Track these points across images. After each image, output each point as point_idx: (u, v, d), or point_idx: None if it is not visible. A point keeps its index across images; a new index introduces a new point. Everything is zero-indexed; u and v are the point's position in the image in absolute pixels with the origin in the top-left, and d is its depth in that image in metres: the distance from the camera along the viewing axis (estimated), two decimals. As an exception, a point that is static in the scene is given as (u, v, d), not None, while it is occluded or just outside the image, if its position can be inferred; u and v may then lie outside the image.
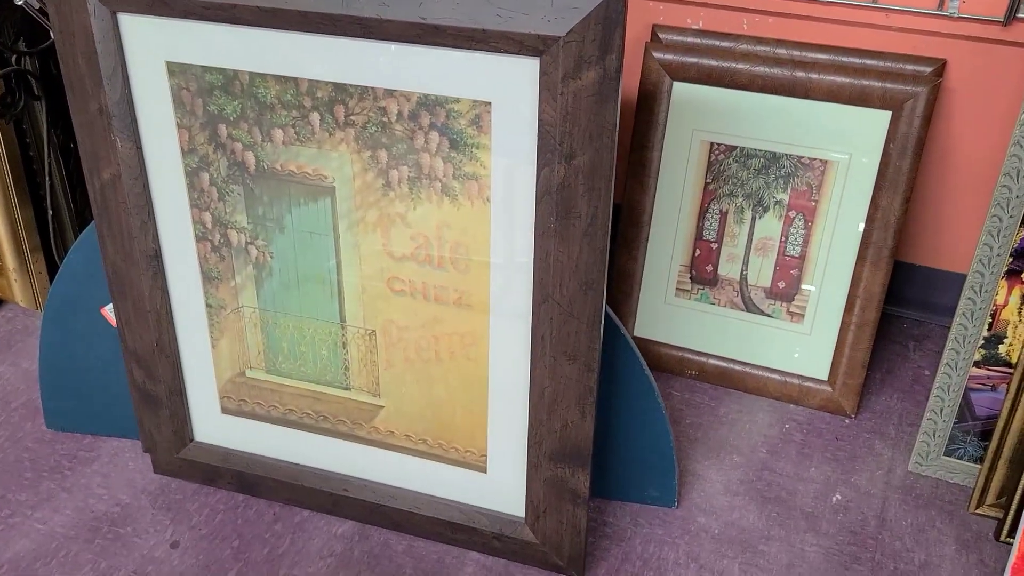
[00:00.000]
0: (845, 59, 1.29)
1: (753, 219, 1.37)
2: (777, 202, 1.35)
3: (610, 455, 1.20)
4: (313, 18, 0.91)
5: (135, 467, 1.29)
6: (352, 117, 0.96)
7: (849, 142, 1.29)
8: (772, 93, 1.30)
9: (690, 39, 1.36)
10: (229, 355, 1.17)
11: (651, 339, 1.46)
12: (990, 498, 1.21)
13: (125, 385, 1.23)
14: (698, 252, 1.41)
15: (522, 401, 1.05)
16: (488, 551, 1.16)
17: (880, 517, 1.22)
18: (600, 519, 1.21)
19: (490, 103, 0.91)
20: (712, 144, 1.35)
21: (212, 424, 1.23)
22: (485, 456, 1.12)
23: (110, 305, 1.20)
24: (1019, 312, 1.16)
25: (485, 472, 1.13)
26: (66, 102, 1.03)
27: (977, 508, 1.22)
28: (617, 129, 0.87)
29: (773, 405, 1.41)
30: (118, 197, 1.07)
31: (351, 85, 0.95)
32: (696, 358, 1.44)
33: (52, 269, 1.57)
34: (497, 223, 0.97)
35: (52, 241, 1.56)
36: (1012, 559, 1.07)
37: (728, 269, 1.40)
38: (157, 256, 1.11)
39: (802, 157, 1.32)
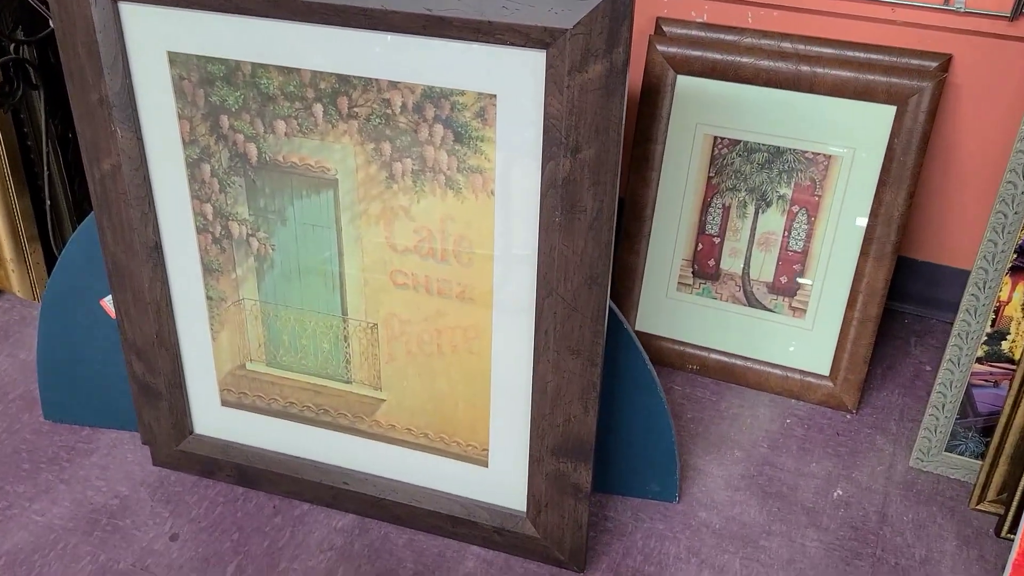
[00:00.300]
0: (850, 53, 1.28)
1: (756, 214, 1.36)
2: (780, 197, 1.35)
3: (611, 450, 1.20)
4: (317, 8, 0.90)
5: (134, 459, 1.28)
6: (355, 109, 0.96)
7: (853, 137, 1.28)
8: (776, 87, 1.29)
9: (694, 32, 1.35)
10: (229, 347, 1.16)
11: (652, 333, 1.46)
12: (991, 494, 1.21)
13: (124, 377, 1.22)
14: (700, 246, 1.41)
15: (524, 396, 1.05)
16: (489, 545, 1.16)
17: (881, 513, 1.22)
18: (601, 513, 1.21)
19: (495, 96, 0.90)
20: (715, 138, 1.35)
21: (212, 417, 1.22)
22: (486, 450, 1.11)
23: (109, 296, 1.20)
24: (1023, 309, 1.15)
25: (486, 466, 1.12)
26: (65, 92, 1.03)
27: (978, 504, 1.22)
28: (623, 123, 0.87)
29: (774, 400, 1.41)
30: (118, 188, 1.06)
31: (355, 76, 0.94)
32: (697, 353, 1.43)
33: (49, 260, 1.56)
34: (501, 217, 0.96)
35: (50, 232, 1.55)
36: (1013, 555, 1.07)
37: (730, 264, 1.40)
38: (157, 248, 1.10)
39: (806, 152, 1.31)
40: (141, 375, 1.19)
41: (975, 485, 1.22)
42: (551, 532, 1.11)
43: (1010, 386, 1.14)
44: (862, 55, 1.28)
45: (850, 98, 1.26)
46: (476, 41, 0.87)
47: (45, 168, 1.49)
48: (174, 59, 0.99)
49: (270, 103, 0.98)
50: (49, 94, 1.46)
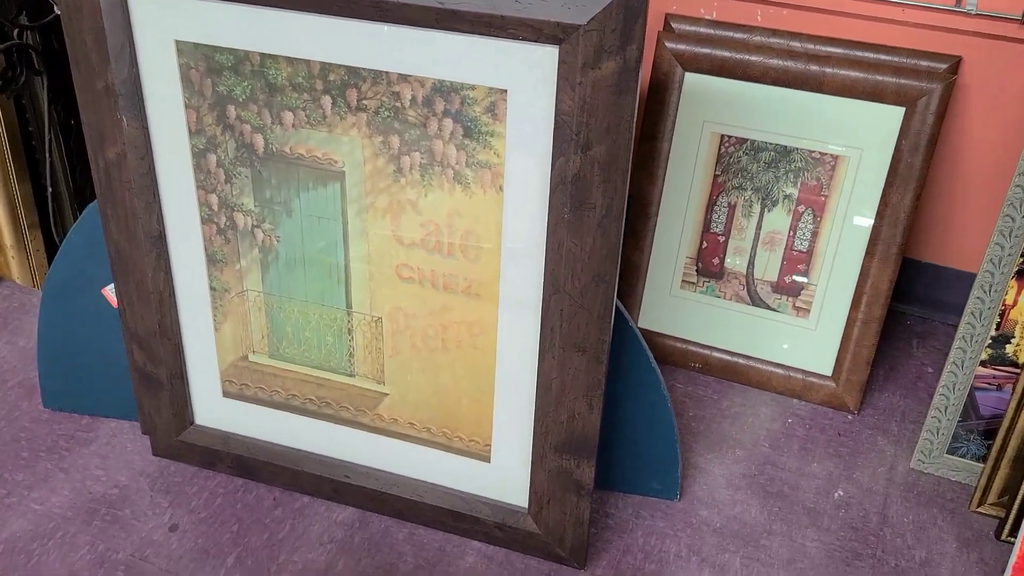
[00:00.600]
0: (859, 54, 1.28)
1: (761, 213, 1.36)
2: (786, 196, 1.34)
3: (614, 447, 1.20)
4: (328, -1, 0.89)
5: (133, 449, 1.28)
6: (364, 101, 0.95)
7: (861, 137, 1.28)
8: (785, 86, 1.28)
9: (703, 29, 1.34)
10: (232, 339, 1.15)
11: (655, 331, 1.45)
12: (992, 497, 1.21)
13: (124, 366, 1.22)
14: (705, 244, 1.41)
15: (529, 392, 1.04)
16: (489, 540, 1.15)
17: (882, 514, 1.22)
18: (602, 510, 1.21)
19: (506, 91, 0.90)
20: (722, 136, 1.34)
21: (213, 407, 1.21)
22: (489, 446, 1.11)
23: (111, 285, 1.19)
24: (1028, 313, 1.16)
25: (489, 462, 1.12)
26: (68, 78, 1.01)
27: (978, 507, 1.22)
28: (635, 121, 0.86)
29: (776, 399, 1.40)
30: (123, 176, 1.06)
31: (364, 69, 0.93)
32: (700, 351, 1.43)
33: (50, 247, 1.56)
34: (509, 212, 0.96)
35: (51, 219, 1.54)
36: (1013, 558, 1.07)
37: (735, 262, 1.40)
38: (161, 237, 1.09)
39: (813, 151, 1.31)
40: (142, 365, 1.19)
41: (976, 488, 1.22)
42: (552, 528, 1.11)
43: (1013, 390, 1.14)
44: (871, 55, 1.27)
45: (858, 98, 1.26)
46: (488, 35, 0.87)
47: (47, 155, 1.48)
48: (182, 48, 0.98)
49: (278, 94, 0.97)
50: (52, 81, 1.45)
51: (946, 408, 1.24)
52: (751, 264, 1.39)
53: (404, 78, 0.92)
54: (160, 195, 1.07)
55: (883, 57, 1.27)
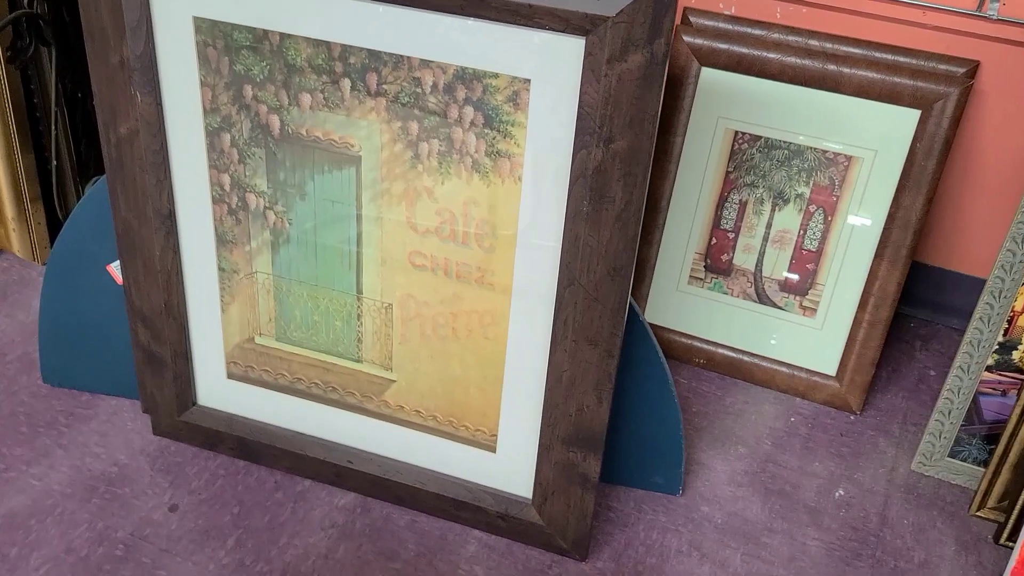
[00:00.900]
0: (878, 55, 1.27)
1: (772, 211, 1.36)
2: (798, 195, 1.34)
3: (618, 440, 1.19)
4: (352, -19, 0.88)
5: (133, 427, 1.27)
6: (384, 86, 0.94)
7: (875, 139, 1.28)
8: (801, 85, 1.28)
9: (722, 25, 1.33)
10: (239, 320, 1.15)
11: (661, 325, 1.45)
12: (992, 501, 1.21)
13: (126, 344, 1.21)
14: (714, 241, 1.40)
15: (538, 383, 1.04)
16: (492, 530, 1.15)
17: (882, 515, 1.23)
18: (604, 503, 1.21)
19: (529, 80, 0.89)
20: (736, 133, 1.34)
21: (216, 389, 1.21)
22: (495, 436, 1.11)
23: (117, 262, 1.18)
24: (1036, 320, 1.16)
25: (494, 452, 1.12)
26: (75, 51, 1.00)
27: (978, 510, 1.23)
28: (659, 116, 0.86)
29: (779, 398, 1.41)
30: (134, 153, 1.04)
31: (386, 53, 0.92)
32: (705, 347, 1.43)
33: (51, 221, 1.54)
34: (527, 203, 0.95)
35: (54, 193, 1.52)
36: (1012, 563, 1.08)
37: (743, 260, 1.39)
38: (171, 216, 1.08)
39: (827, 151, 1.31)
40: (146, 343, 1.18)
41: (976, 491, 1.23)
42: (555, 520, 1.11)
43: (1018, 396, 1.14)
44: (889, 57, 1.27)
45: (875, 100, 1.25)
46: (514, 24, 0.86)
47: (52, 128, 1.46)
48: (200, 25, 0.96)
49: (297, 75, 0.96)
50: (60, 53, 1.42)
51: (950, 412, 1.24)
52: (760, 262, 1.39)
53: (426, 64, 0.91)
54: (171, 173, 1.06)
55: (901, 59, 1.27)
